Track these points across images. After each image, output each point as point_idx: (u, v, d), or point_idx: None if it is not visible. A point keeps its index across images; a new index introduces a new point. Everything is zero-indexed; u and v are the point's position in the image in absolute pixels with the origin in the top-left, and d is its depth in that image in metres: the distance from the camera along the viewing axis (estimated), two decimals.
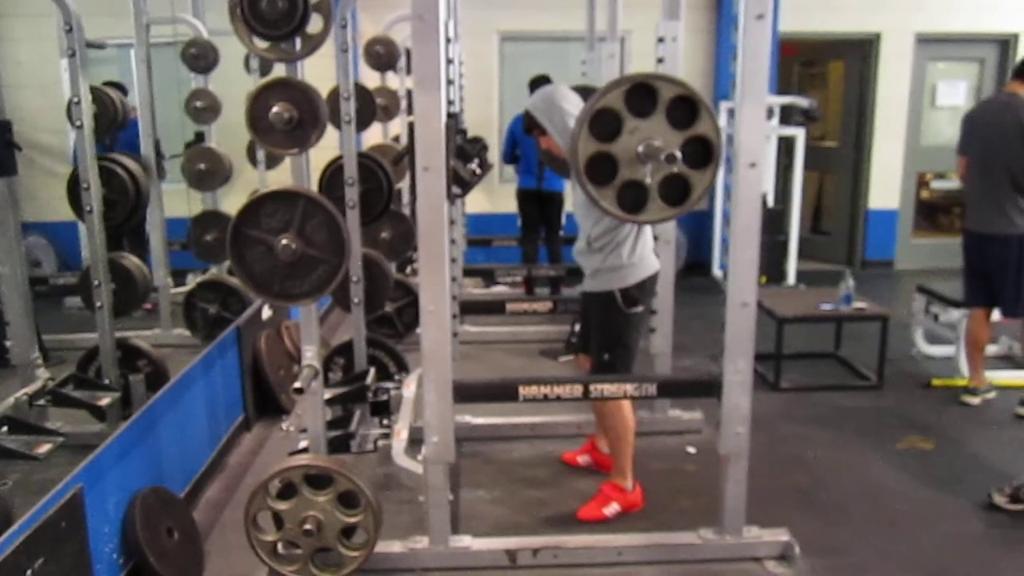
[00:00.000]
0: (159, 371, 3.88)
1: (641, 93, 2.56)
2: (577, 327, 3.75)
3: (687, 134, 2.58)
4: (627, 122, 2.56)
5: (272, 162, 5.73)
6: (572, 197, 3.44)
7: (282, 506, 2.77)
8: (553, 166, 3.80)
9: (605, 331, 3.33)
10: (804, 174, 7.47)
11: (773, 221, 7.12)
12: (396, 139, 6.26)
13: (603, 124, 2.57)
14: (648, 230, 3.34)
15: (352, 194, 3.59)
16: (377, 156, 4.05)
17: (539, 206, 6.56)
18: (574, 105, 3.23)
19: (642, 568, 3.02)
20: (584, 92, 3.34)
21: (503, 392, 3.08)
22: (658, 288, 4.02)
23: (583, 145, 2.58)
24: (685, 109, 2.57)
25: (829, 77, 8.72)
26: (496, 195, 7.81)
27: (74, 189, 3.55)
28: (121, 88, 4.83)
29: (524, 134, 6.44)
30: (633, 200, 2.63)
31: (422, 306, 2.77)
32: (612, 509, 3.36)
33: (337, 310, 6.03)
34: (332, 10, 2.65)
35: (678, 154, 2.52)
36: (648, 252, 3.33)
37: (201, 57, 5.06)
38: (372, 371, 3.83)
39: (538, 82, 6.55)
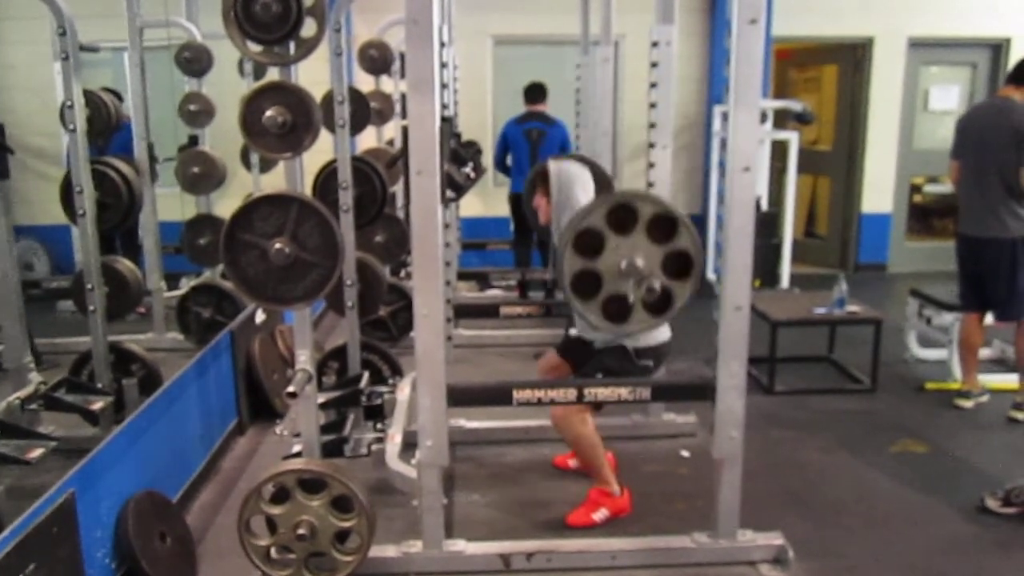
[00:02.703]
0: (152, 375, 3.88)
1: (622, 212, 2.68)
2: (572, 331, 3.75)
3: (667, 248, 2.70)
4: (609, 240, 2.70)
5: (266, 166, 5.74)
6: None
7: (276, 510, 2.76)
8: (533, 223, 3.90)
9: (605, 368, 3.32)
10: (797, 178, 7.49)
11: (767, 225, 7.13)
12: (390, 143, 6.26)
13: (587, 242, 2.70)
14: None
15: (346, 198, 3.59)
16: (371, 160, 4.05)
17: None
18: (586, 195, 3.36)
19: (636, 572, 3.02)
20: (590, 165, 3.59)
21: (497, 396, 3.08)
22: None
23: (568, 263, 2.71)
24: (664, 225, 2.69)
25: (822, 81, 8.74)
26: (490, 199, 7.81)
27: (67, 192, 3.55)
28: (116, 95, 4.83)
29: (517, 131, 6.53)
30: (617, 311, 2.77)
31: (416, 310, 2.77)
32: (601, 514, 3.36)
33: (331, 314, 6.02)
34: (326, 14, 2.65)
35: (656, 286, 2.64)
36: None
37: (195, 61, 5.06)
38: (366, 375, 3.83)
39: (533, 89, 6.58)
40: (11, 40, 6.19)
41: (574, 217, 2.76)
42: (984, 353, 5.06)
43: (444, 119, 2.99)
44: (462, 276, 6.28)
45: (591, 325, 3.01)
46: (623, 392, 3.01)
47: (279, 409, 4.50)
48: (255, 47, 2.55)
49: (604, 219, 2.66)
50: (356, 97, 4.81)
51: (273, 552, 2.81)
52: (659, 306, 2.70)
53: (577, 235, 2.67)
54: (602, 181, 3.96)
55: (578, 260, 2.70)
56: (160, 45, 5.09)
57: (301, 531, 2.73)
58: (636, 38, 6.97)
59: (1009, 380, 4.72)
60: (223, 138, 5.24)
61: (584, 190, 3.39)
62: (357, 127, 4.88)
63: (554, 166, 3.44)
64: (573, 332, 3.69)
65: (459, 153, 3.71)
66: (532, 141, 6.48)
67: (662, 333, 3.37)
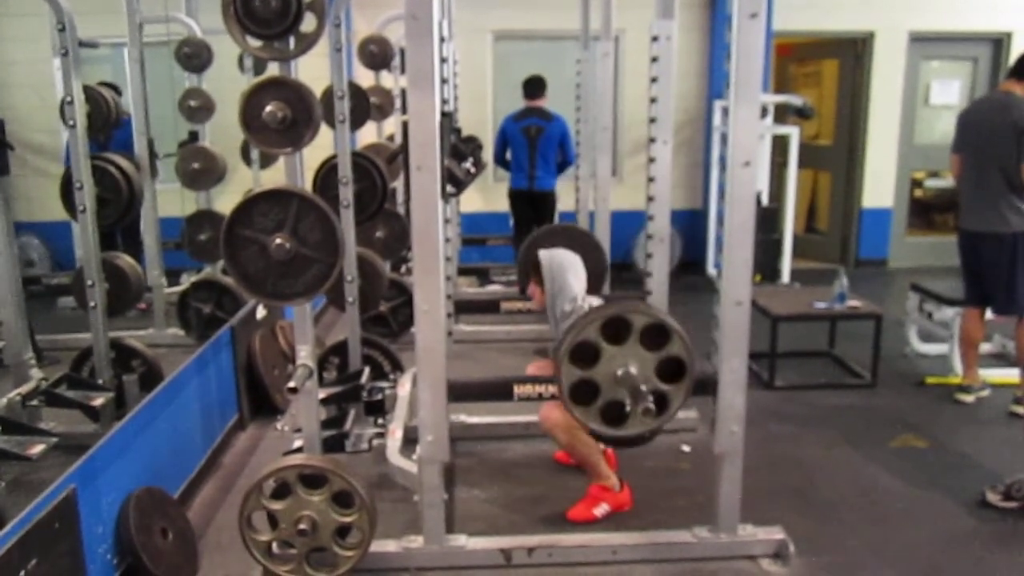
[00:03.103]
0: (153, 371, 3.88)
1: (616, 324, 2.72)
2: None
3: (660, 355, 2.74)
4: (604, 351, 2.73)
5: (266, 161, 5.73)
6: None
7: (277, 506, 2.76)
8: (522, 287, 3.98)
9: None
10: (798, 173, 7.48)
11: (767, 220, 7.13)
12: (390, 138, 6.26)
13: (583, 353, 2.74)
14: None
15: (346, 193, 3.59)
16: (371, 155, 4.05)
17: (531, 206, 6.57)
18: (579, 281, 3.44)
19: (637, 567, 3.03)
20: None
21: (497, 391, 3.08)
22: (652, 286, 4.05)
23: (566, 373, 2.75)
24: (656, 333, 2.73)
25: (823, 76, 8.73)
26: (490, 194, 7.81)
27: (67, 188, 3.54)
28: (115, 89, 4.82)
29: (515, 127, 6.52)
30: (615, 417, 2.79)
31: (416, 305, 2.77)
32: (602, 509, 3.37)
33: (331, 309, 6.03)
34: (326, 9, 2.64)
35: (652, 407, 2.67)
36: None
37: (195, 56, 5.06)
38: (367, 370, 3.83)
39: (532, 83, 6.57)
40: (11, 36, 6.18)
41: (569, 331, 2.81)
42: (984, 348, 5.05)
43: (444, 114, 2.99)
44: (462, 272, 6.29)
45: (589, 430, 3.05)
46: None
47: (280, 405, 4.50)
48: (255, 42, 2.55)
49: (599, 331, 2.72)
50: (356, 92, 4.81)
51: (274, 547, 2.82)
52: (656, 409, 2.74)
53: (573, 348, 2.73)
54: (592, 253, 4.06)
55: (575, 371, 2.75)
56: (160, 41, 5.08)
57: (302, 526, 2.73)
58: (636, 33, 6.96)
59: (1009, 375, 4.72)
60: (223, 134, 5.24)
61: (576, 276, 3.45)
62: (357, 122, 4.88)
63: (545, 257, 3.51)
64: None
65: (459, 148, 3.70)
66: (530, 138, 6.47)
67: None
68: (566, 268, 3.44)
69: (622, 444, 3.49)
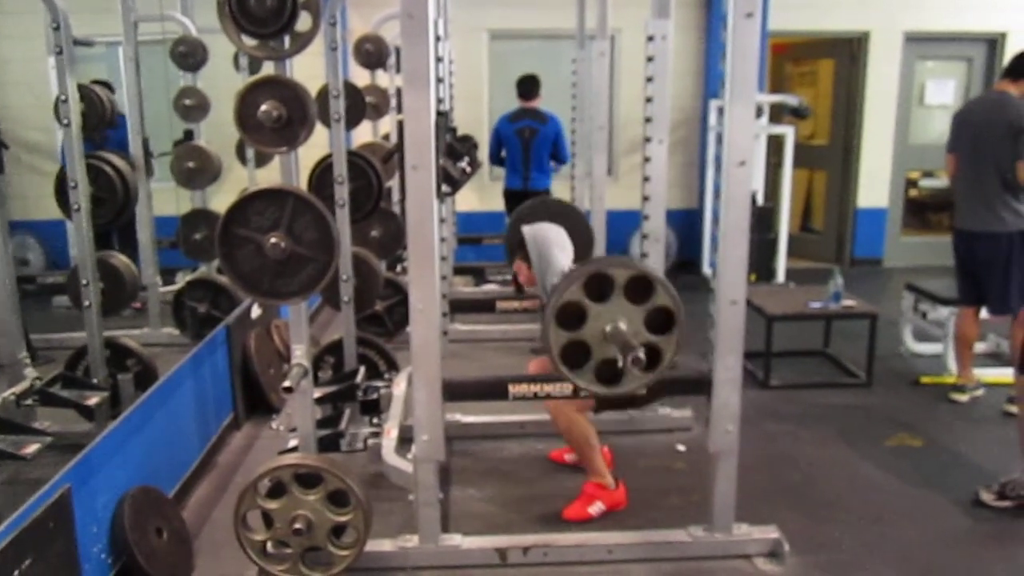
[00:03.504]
0: (148, 370, 3.87)
1: (598, 281, 2.69)
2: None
3: (647, 307, 2.70)
4: (590, 310, 2.70)
5: (261, 160, 5.72)
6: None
7: (272, 505, 2.76)
8: (519, 288, 3.92)
9: None
10: (793, 172, 7.49)
11: (762, 219, 7.14)
12: (386, 137, 6.25)
13: (568, 316, 2.71)
14: None
15: (342, 192, 3.59)
16: (367, 154, 4.05)
17: None
18: (565, 254, 3.44)
19: (632, 566, 3.03)
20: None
21: (493, 390, 3.08)
22: None
23: (554, 337, 2.72)
24: (640, 286, 2.69)
25: (818, 75, 8.75)
26: (486, 193, 7.82)
27: (62, 187, 3.53)
28: (108, 86, 4.81)
29: (510, 129, 6.52)
30: (609, 375, 2.77)
31: (412, 304, 2.77)
32: (597, 508, 3.37)
33: (327, 308, 6.02)
34: (321, 8, 2.64)
35: (642, 356, 2.63)
36: None
37: (190, 55, 5.05)
38: (362, 370, 3.83)
39: (526, 82, 6.57)
40: (5, 35, 6.16)
41: (553, 293, 2.79)
42: (979, 347, 5.07)
43: (440, 113, 2.99)
44: (458, 271, 6.29)
45: (586, 388, 3.04)
46: None
47: (275, 404, 4.50)
48: (250, 41, 2.55)
49: (582, 290, 2.69)
50: (351, 91, 4.81)
51: (269, 546, 2.82)
52: (649, 362, 2.71)
53: (559, 310, 2.70)
54: (576, 224, 4.04)
55: (563, 333, 2.72)
56: (155, 39, 5.07)
57: (297, 525, 2.73)
58: (632, 32, 6.97)
59: (1004, 374, 4.73)
60: (218, 133, 5.23)
61: (562, 250, 3.45)
62: (353, 121, 4.88)
63: (528, 232, 3.50)
64: None
65: (455, 147, 3.70)
66: (524, 140, 6.47)
67: None
68: (551, 242, 3.43)
69: (626, 405, 3.48)
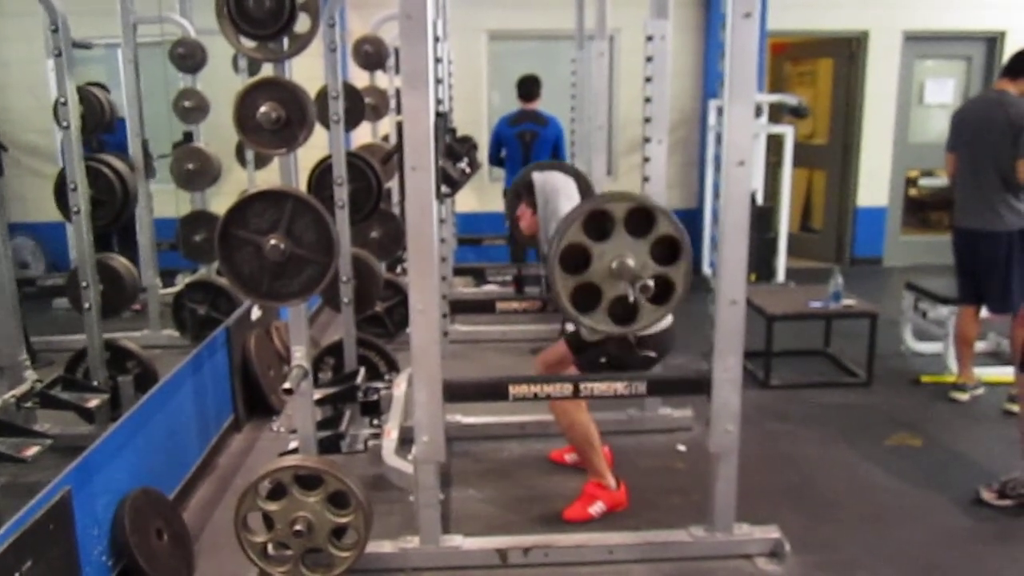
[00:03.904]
0: (148, 372, 3.87)
1: (597, 219, 2.67)
2: (569, 326, 3.74)
3: (651, 239, 2.69)
4: (593, 249, 2.69)
5: (261, 162, 5.72)
6: None
7: (272, 507, 2.76)
8: (517, 237, 3.84)
9: (608, 353, 3.30)
10: (793, 172, 7.49)
11: (762, 219, 7.13)
12: (385, 138, 6.25)
13: (572, 258, 2.69)
14: None
15: (341, 193, 3.58)
16: (366, 155, 4.05)
17: None
18: (572, 203, 3.35)
19: (633, 566, 3.03)
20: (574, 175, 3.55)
21: (493, 391, 3.08)
22: None
23: (561, 284, 2.70)
24: (641, 217, 2.68)
25: (818, 75, 8.75)
26: (486, 194, 7.81)
27: (61, 190, 3.53)
28: (103, 88, 4.81)
29: (510, 132, 6.52)
30: (623, 313, 2.75)
31: (412, 305, 2.77)
32: (597, 508, 3.37)
33: (327, 310, 6.02)
34: (319, 9, 2.64)
35: (651, 283, 2.63)
36: None
37: (189, 57, 5.04)
38: (362, 371, 3.83)
39: (527, 82, 6.57)
40: (4, 37, 6.15)
41: (552, 238, 2.76)
42: (979, 346, 5.07)
43: (439, 114, 2.99)
44: (458, 272, 6.28)
45: (604, 332, 3.01)
46: (619, 386, 3.01)
47: (275, 405, 4.50)
48: (249, 43, 2.55)
49: (582, 230, 2.67)
50: (351, 93, 4.80)
51: (270, 548, 2.82)
52: (661, 296, 2.69)
53: (561, 254, 2.68)
54: (586, 192, 3.95)
55: (569, 278, 2.71)
56: (154, 41, 5.07)
57: (298, 527, 2.73)
58: (631, 33, 6.96)
59: (1004, 373, 4.73)
60: (218, 134, 5.22)
61: (569, 199, 3.40)
62: (352, 123, 4.87)
63: (539, 177, 3.46)
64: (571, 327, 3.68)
65: (454, 148, 3.70)
66: (525, 143, 6.47)
67: (664, 320, 3.35)
68: (559, 191, 3.39)
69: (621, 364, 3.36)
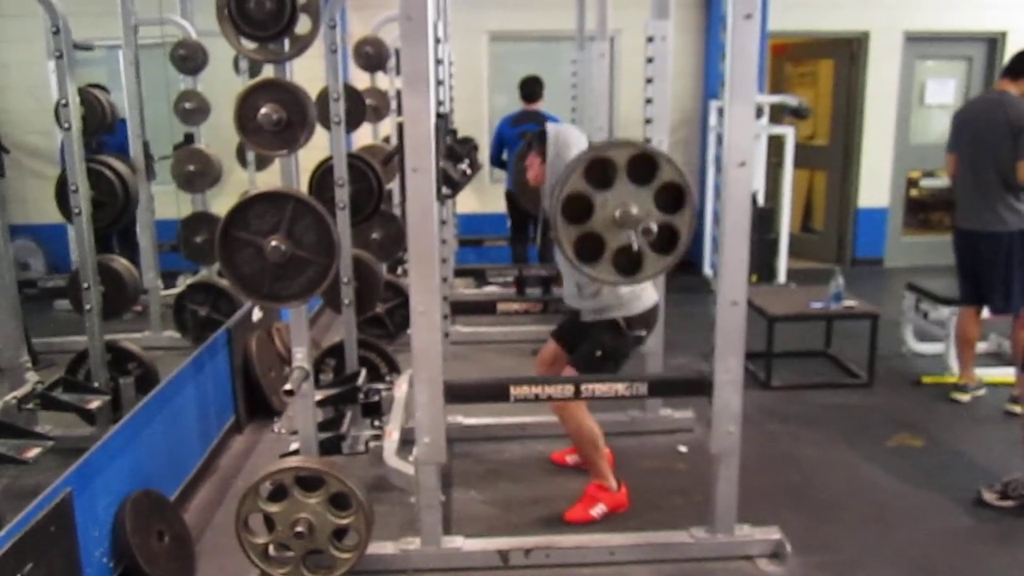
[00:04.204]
0: (149, 374, 3.88)
1: (599, 167, 2.64)
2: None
3: (654, 186, 2.66)
4: (596, 198, 2.66)
5: (262, 163, 5.73)
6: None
7: (273, 508, 2.76)
8: (519, 190, 3.76)
9: (598, 343, 3.33)
10: (794, 173, 7.49)
11: (763, 220, 7.14)
12: (386, 140, 6.25)
13: (575, 207, 2.66)
14: None
15: (342, 195, 3.58)
16: (367, 157, 4.04)
17: None
18: None
19: (634, 567, 3.03)
20: None
21: (494, 392, 3.07)
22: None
23: (564, 232, 2.68)
24: (644, 166, 2.65)
25: (818, 76, 8.75)
26: (486, 195, 7.81)
27: (62, 191, 3.54)
28: (104, 89, 4.81)
29: (511, 132, 6.52)
30: (628, 263, 2.72)
31: (413, 307, 2.77)
32: (599, 510, 3.37)
33: (328, 311, 6.02)
34: (320, 10, 2.64)
35: (654, 227, 2.61)
36: (646, 284, 3.34)
37: (190, 58, 5.05)
38: (363, 372, 3.83)
39: (529, 82, 6.56)
40: (5, 39, 6.17)
41: (554, 187, 2.72)
42: (981, 347, 5.07)
43: (440, 115, 2.99)
44: (459, 273, 6.28)
45: (578, 290, 2.94)
46: (620, 388, 3.01)
47: (276, 407, 4.50)
48: (249, 44, 2.55)
49: (583, 179, 2.63)
50: (351, 94, 4.81)
51: (271, 550, 2.82)
52: (666, 244, 2.66)
53: (564, 204, 2.64)
54: None
55: (572, 228, 2.66)
56: (155, 43, 5.08)
57: (299, 529, 2.73)
58: (632, 33, 6.96)
59: (1006, 374, 4.73)
60: (219, 136, 5.23)
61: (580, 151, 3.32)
62: (353, 124, 4.88)
63: (553, 129, 3.37)
64: (565, 317, 3.66)
65: (455, 149, 3.70)
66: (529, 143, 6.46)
67: (649, 298, 3.38)
68: (572, 145, 3.30)
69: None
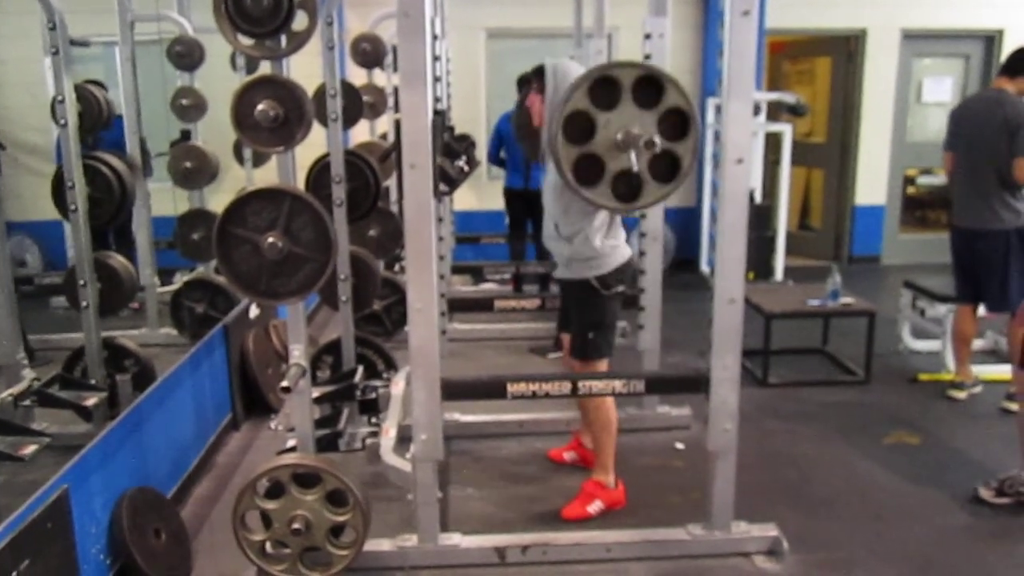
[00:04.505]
0: (146, 371, 3.86)
1: (604, 86, 2.60)
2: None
3: (659, 111, 2.62)
4: (599, 118, 2.61)
5: (259, 160, 5.71)
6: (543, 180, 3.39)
7: (270, 505, 2.76)
8: (521, 135, 3.65)
9: (585, 313, 3.33)
10: (791, 170, 7.49)
11: (760, 217, 7.13)
12: (383, 136, 6.24)
13: (577, 127, 2.62)
14: (618, 219, 3.31)
15: (339, 192, 3.58)
16: (364, 154, 4.04)
17: (526, 204, 6.55)
18: None
19: (631, 564, 3.03)
20: None
21: (491, 389, 3.08)
22: (646, 284, 4.05)
23: (564, 152, 2.62)
24: (650, 88, 2.61)
25: (816, 73, 8.75)
26: (484, 192, 7.81)
27: (59, 188, 3.52)
28: (101, 86, 4.80)
29: (510, 128, 6.50)
30: (627, 189, 2.68)
31: (410, 304, 2.77)
32: (596, 507, 3.37)
33: (325, 308, 6.02)
34: (317, 7, 2.64)
35: (657, 139, 2.55)
36: (620, 240, 3.30)
37: (186, 55, 5.03)
38: (360, 369, 3.82)
39: (527, 80, 6.54)
40: (1, 35, 6.15)
41: (557, 105, 2.67)
42: (977, 344, 5.07)
43: (437, 112, 2.98)
44: (456, 270, 6.27)
45: (558, 238, 2.90)
46: (617, 385, 3.01)
47: (273, 404, 4.49)
48: (246, 41, 2.54)
49: (587, 97, 2.58)
50: (349, 91, 4.79)
51: (268, 547, 2.82)
52: (667, 172, 2.62)
53: (565, 121, 2.59)
54: None
55: (573, 148, 2.62)
56: (151, 39, 5.05)
57: (296, 526, 2.73)
58: (629, 31, 6.95)
59: (1002, 371, 4.73)
60: (216, 132, 5.21)
61: None
62: (350, 121, 4.85)
63: (551, 64, 3.24)
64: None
65: (452, 146, 3.69)
66: None
67: (622, 253, 3.30)
68: (570, 77, 3.09)
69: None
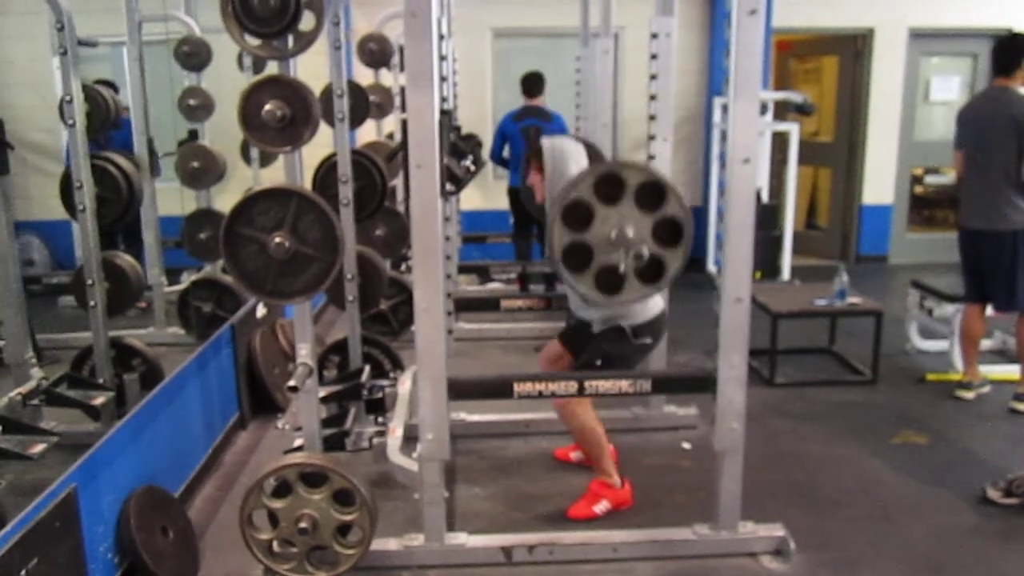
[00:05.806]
0: (153, 370, 3.88)
1: (609, 182, 2.65)
2: (573, 318, 3.74)
3: (656, 216, 2.67)
4: (598, 211, 2.66)
5: (266, 160, 5.73)
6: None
7: (277, 504, 2.76)
8: (528, 203, 3.79)
9: (603, 353, 3.32)
10: (798, 169, 7.48)
11: (767, 217, 7.13)
12: (390, 136, 6.25)
13: (576, 215, 2.66)
14: None
15: (346, 191, 3.58)
16: (371, 153, 4.04)
17: None
18: (580, 169, 3.30)
19: (637, 564, 3.03)
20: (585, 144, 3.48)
21: (498, 389, 3.08)
22: None
23: (558, 236, 2.68)
24: (652, 193, 2.66)
25: (823, 72, 8.73)
26: (490, 192, 7.81)
27: (67, 188, 3.54)
28: (111, 86, 4.82)
29: (514, 128, 6.52)
30: (609, 283, 2.73)
31: (416, 303, 2.77)
32: (602, 507, 3.37)
33: (332, 308, 6.02)
34: (324, 7, 2.64)
35: (645, 252, 2.63)
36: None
37: (194, 55, 5.05)
38: (367, 369, 3.83)
39: (530, 78, 6.56)
40: (9, 35, 6.17)
41: (561, 190, 2.74)
42: (985, 344, 5.05)
43: (443, 112, 2.98)
44: (462, 269, 6.28)
45: (584, 300, 2.97)
46: (624, 385, 3.01)
47: (280, 403, 4.50)
48: (253, 41, 2.54)
49: (592, 190, 2.64)
50: (355, 91, 4.80)
51: (275, 546, 2.82)
52: (652, 275, 2.69)
53: (566, 208, 2.65)
54: (596, 159, 3.92)
55: (568, 233, 2.67)
56: (159, 39, 5.07)
57: (303, 525, 2.73)
58: (636, 30, 6.96)
59: (1010, 371, 4.72)
60: (223, 132, 5.23)
61: (578, 165, 3.32)
62: (356, 121, 4.87)
63: (548, 143, 3.39)
64: (573, 320, 3.68)
65: (458, 146, 3.70)
66: (529, 139, 6.46)
67: (655, 305, 3.37)
68: (568, 155, 3.33)
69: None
